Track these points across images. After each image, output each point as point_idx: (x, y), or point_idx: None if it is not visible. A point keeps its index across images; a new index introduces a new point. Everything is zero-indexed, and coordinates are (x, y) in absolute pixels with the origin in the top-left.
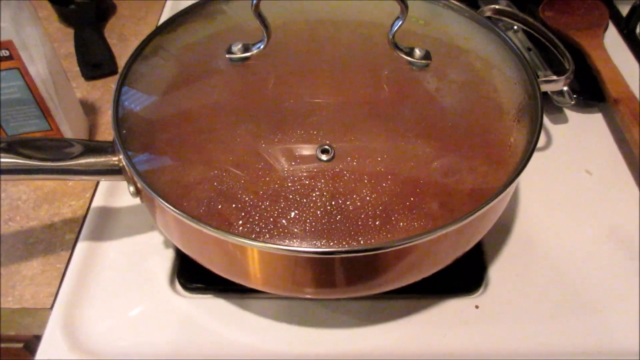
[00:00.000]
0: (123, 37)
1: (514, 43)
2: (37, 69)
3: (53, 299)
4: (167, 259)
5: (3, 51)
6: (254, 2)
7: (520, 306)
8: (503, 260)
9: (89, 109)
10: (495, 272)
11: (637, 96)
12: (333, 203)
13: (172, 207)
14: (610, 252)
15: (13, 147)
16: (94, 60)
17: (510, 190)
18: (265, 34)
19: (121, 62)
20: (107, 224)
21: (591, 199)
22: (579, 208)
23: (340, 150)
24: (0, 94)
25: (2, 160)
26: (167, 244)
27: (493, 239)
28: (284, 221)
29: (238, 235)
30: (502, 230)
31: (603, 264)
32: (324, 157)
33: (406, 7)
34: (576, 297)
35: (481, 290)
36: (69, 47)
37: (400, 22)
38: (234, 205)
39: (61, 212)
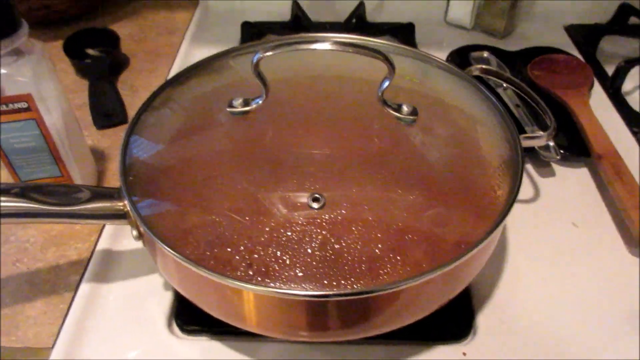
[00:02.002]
0: (134, 89)
1: (499, 101)
2: (53, 119)
3: (54, 339)
4: (166, 301)
5: (22, 103)
6: (254, 61)
7: (508, 355)
8: (491, 308)
9: (99, 156)
10: (484, 320)
11: (620, 152)
12: (323, 249)
13: (171, 250)
14: (595, 303)
15: (26, 192)
16: (106, 111)
17: (493, 238)
18: (264, 90)
19: (131, 112)
20: (110, 267)
21: (577, 250)
22: (565, 259)
23: (332, 199)
24: (16, 142)
25: (16, 204)
26: (167, 286)
27: (481, 288)
28: (276, 266)
29: (233, 278)
30: (491, 280)
31: (588, 315)
32: (315, 205)
33: (393, 68)
34: (562, 345)
35: (469, 337)
36: (83, 97)
37: (387, 82)
38: (230, 250)
39: (67, 255)
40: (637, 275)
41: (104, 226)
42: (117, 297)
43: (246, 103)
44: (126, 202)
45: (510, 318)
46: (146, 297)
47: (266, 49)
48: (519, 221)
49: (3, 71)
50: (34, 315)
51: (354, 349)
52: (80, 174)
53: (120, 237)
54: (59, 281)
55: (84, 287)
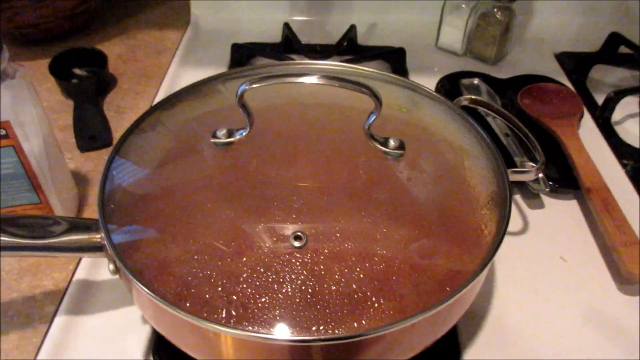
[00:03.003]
0: (120, 110)
1: (487, 132)
2: (32, 146)
3: None
4: (143, 335)
5: (0, 131)
6: (238, 93)
7: None
8: (478, 346)
9: (81, 180)
10: (470, 357)
11: (609, 185)
12: (303, 290)
13: (147, 290)
14: (584, 340)
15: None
16: (90, 133)
17: (479, 280)
18: (247, 122)
19: (117, 134)
20: (87, 298)
21: (565, 285)
22: (554, 294)
23: (314, 236)
24: None
25: None
26: (145, 319)
27: (468, 324)
28: (255, 308)
29: (209, 320)
30: (478, 315)
31: (578, 350)
32: (297, 243)
33: (380, 103)
34: None
35: None
36: (68, 118)
37: (374, 117)
38: (208, 289)
39: (43, 284)
40: (626, 312)
41: None
42: (93, 330)
43: (230, 134)
44: (103, 235)
45: (498, 355)
46: (123, 330)
47: (252, 81)
48: (507, 254)
49: None
50: (5, 349)
51: None
52: (59, 201)
53: (98, 267)
54: (34, 312)
55: (59, 320)
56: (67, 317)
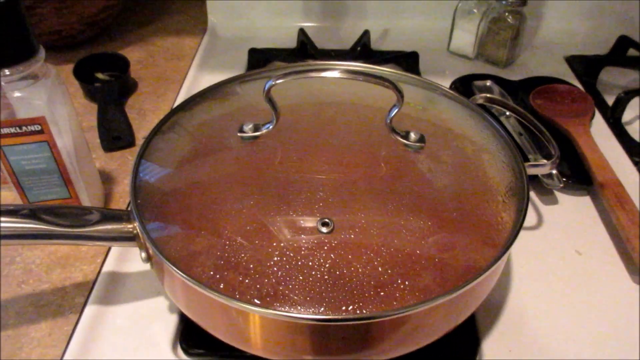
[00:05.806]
0: (142, 112)
1: (503, 129)
2: (64, 142)
3: None
4: (171, 324)
5: (35, 126)
6: (266, 88)
7: None
8: (496, 336)
9: (106, 178)
10: (489, 348)
11: (622, 181)
12: (332, 273)
13: (180, 272)
14: (599, 331)
15: (36, 213)
16: (114, 134)
17: (499, 266)
18: (274, 116)
19: (139, 135)
20: (115, 289)
21: (581, 278)
22: (569, 287)
23: (340, 224)
24: (27, 164)
25: (25, 225)
26: (172, 309)
27: (487, 315)
28: (285, 290)
29: (242, 301)
30: (496, 307)
31: (591, 341)
32: (324, 229)
33: (402, 96)
34: None
35: None
36: (92, 120)
37: (396, 109)
38: (238, 273)
39: (72, 276)
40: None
41: (109, 248)
42: (122, 319)
43: (257, 128)
44: (136, 224)
45: (515, 345)
46: (151, 320)
47: (278, 77)
48: (523, 248)
49: (18, 94)
50: (38, 337)
51: None
52: (88, 196)
53: (125, 260)
54: (64, 303)
55: (89, 309)
56: (96, 306)
